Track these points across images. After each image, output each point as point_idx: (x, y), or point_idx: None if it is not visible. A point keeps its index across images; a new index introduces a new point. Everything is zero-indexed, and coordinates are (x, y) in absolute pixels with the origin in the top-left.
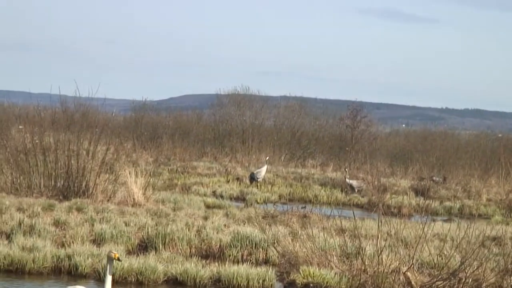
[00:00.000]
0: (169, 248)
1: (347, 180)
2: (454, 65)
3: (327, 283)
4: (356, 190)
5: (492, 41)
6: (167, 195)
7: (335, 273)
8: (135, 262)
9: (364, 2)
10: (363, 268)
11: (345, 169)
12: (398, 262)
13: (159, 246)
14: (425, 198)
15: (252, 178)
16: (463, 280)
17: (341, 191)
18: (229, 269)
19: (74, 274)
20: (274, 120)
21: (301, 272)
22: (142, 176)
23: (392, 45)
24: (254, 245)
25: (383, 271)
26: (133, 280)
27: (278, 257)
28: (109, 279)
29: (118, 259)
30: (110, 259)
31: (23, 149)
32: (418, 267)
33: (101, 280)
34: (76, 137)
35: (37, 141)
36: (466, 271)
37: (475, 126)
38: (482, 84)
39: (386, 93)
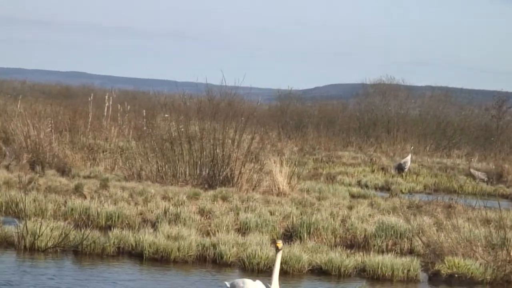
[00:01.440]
0: (314, 237)
1: (471, 170)
2: None
3: (471, 273)
4: (477, 181)
5: None
6: (312, 185)
7: (480, 264)
8: None
9: None
10: (508, 259)
11: (470, 159)
12: None
13: (303, 236)
14: None
15: (400, 169)
16: None
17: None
18: (374, 259)
19: (219, 263)
20: (419, 110)
21: (446, 262)
22: (287, 165)
23: None
24: (398, 235)
25: None
26: None
27: (422, 247)
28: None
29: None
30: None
31: (168, 138)
32: None
33: (245, 269)
34: (222, 126)
35: (182, 130)
36: None
37: None
38: None
39: None
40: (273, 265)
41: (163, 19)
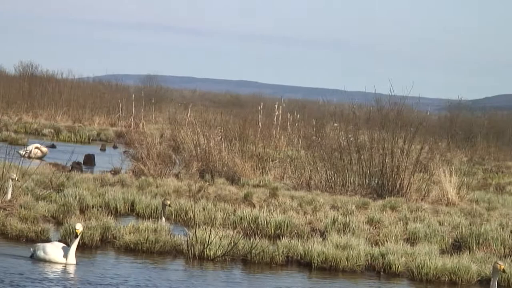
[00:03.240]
0: (483, 248)
1: None
2: None
3: None
4: None
5: None
6: (481, 195)
7: None
8: (449, 262)
9: None
10: None
11: None
12: None
13: (472, 246)
14: None
15: None
16: None
17: None
18: None
19: (387, 272)
20: None
21: None
22: (456, 176)
23: None
24: None
25: None
26: (446, 279)
27: None
28: None
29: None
30: None
31: (337, 147)
32: None
33: (414, 279)
34: (391, 136)
35: (351, 139)
36: None
37: None
38: None
39: None
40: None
41: (325, 27)
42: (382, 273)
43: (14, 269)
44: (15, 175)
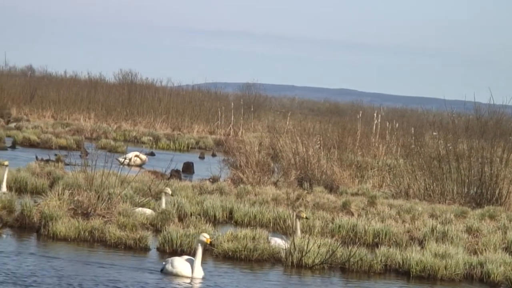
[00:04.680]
0: None
1: None
2: None
3: None
4: None
5: None
6: None
7: None
8: None
9: None
10: None
11: None
12: None
13: None
14: None
15: None
16: None
17: None
18: None
19: (485, 282)
20: None
21: None
22: None
23: None
24: None
25: None
26: None
27: None
28: None
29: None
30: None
31: (436, 156)
32: None
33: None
34: (490, 144)
35: (450, 148)
36: None
37: None
38: None
39: None
40: None
41: (424, 36)
42: (480, 282)
43: (138, 283)
44: (169, 190)
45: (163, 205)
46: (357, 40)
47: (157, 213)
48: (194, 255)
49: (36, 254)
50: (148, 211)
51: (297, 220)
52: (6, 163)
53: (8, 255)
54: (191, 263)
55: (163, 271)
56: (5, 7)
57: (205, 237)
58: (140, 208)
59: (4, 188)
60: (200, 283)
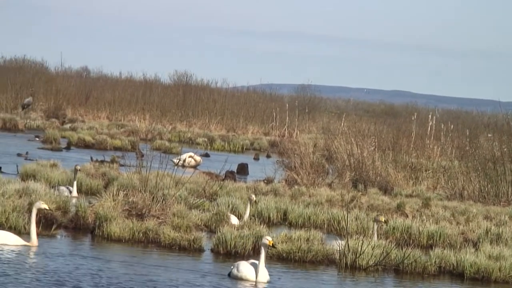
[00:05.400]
0: None
1: None
2: None
3: None
4: None
5: None
6: None
7: None
8: None
9: None
10: None
11: None
12: None
13: None
14: None
15: None
16: None
17: None
18: None
19: None
20: None
21: None
22: None
23: None
24: None
25: None
26: None
27: None
28: None
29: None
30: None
31: (491, 158)
32: None
33: None
34: None
35: (505, 150)
36: None
37: None
38: None
39: None
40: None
41: (479, 37)
42: None
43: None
44: (254, 196)
45: (247, 215)
46: (410, 42)
47: (241, 223)
48: (256, 257)
49: (90, 255)
50: None
51: (375, 224)
52: (78, 167)
53: (62, 256)
54: (256, 267)
55: (230, 276)
56: (62, 9)
57: (268, 239)
58: None
59: (75, 192)
60: (264, 287)
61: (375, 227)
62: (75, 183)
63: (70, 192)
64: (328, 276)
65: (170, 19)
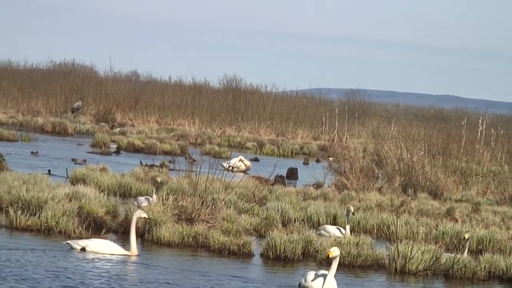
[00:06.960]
0: None
1: None
2: None
3: None
4: None
5: None
6: None
7: None
8: None
9: None
10: None
11: None
12: None
13: None
14: None
15: None
16: None
17: None
18: None
19: None
20: None
21: None
22: None
23: None
24: None
25: None
26: None
27: None
28: None
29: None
30: None
31: None
32: None
33: None
34: None
35: None
36: None
37: None
38: None
39: None
40: None
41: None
42: None
43: None
44: (352, 208)
45: (348, 229)
46: (458, 46)
47: (343, 236)
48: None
49: (140, 260)
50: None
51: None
52: (159, 179)
53: (112, 260)
54: (325, 277)
55: (300, 287)
56: (110, 13)
57: (330, 251)
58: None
59: (155, 199)
60: None
61: (467, 244)
62: (154, 195)
63: (149, 202)
64: (378, 281)
65: (219, 24)
